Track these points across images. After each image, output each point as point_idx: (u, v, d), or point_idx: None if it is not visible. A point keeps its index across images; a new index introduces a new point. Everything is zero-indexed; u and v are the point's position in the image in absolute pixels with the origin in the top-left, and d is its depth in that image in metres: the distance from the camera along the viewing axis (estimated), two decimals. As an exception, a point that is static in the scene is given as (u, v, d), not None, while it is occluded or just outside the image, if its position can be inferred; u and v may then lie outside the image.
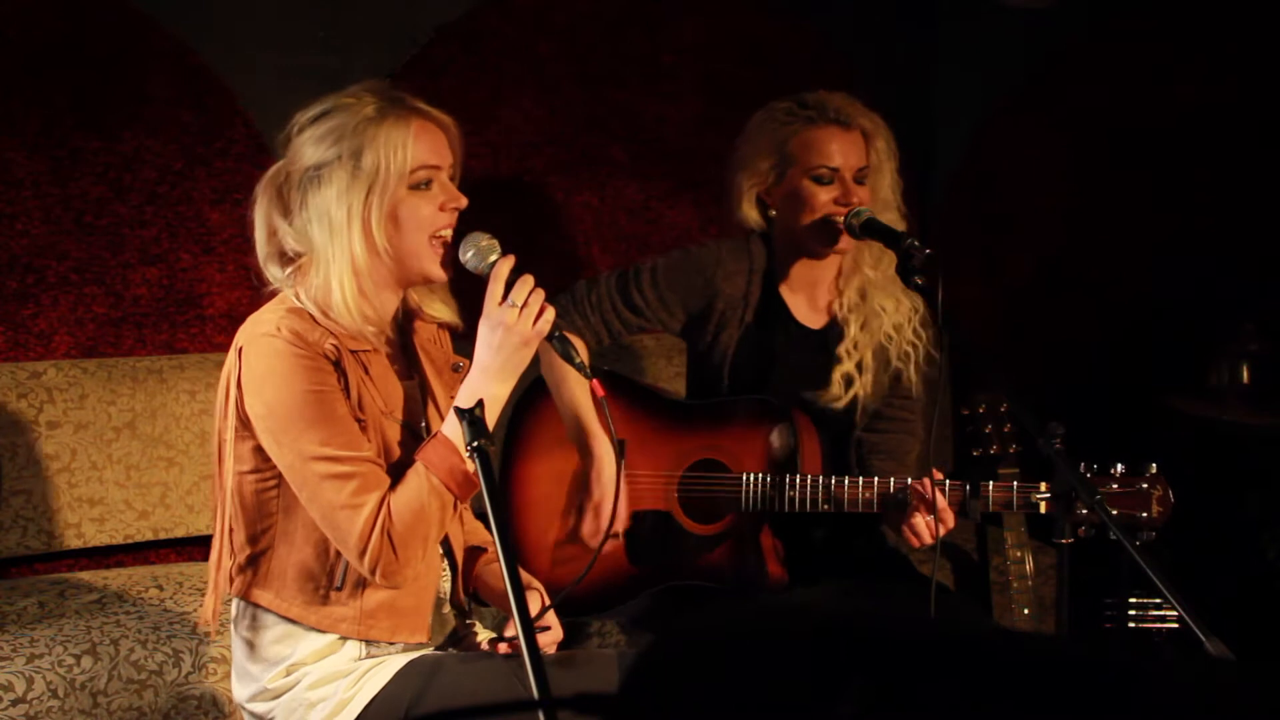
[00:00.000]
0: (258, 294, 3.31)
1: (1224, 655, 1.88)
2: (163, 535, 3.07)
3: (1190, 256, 3.87)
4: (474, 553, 2.22)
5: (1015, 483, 2.37)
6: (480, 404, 1.86)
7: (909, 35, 4.07)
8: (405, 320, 2.14)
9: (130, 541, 3.05)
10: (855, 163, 2.54)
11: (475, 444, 1.81)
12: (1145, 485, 2.34)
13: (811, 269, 2.64)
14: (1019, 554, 2.90)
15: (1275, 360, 3.59)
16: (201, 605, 2.06)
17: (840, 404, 2.60)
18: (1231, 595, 3.32)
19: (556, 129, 3.65)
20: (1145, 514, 2.32)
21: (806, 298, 2.67)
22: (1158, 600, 3.05)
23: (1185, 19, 3.81)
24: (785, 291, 2.66)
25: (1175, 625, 3.05)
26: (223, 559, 1.99)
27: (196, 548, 3.26)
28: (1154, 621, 3.05)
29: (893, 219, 2.56)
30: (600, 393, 2.03)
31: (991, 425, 2.75)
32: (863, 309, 2.60)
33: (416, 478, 1.93)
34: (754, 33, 3.90)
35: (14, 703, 2.37)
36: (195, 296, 3.26)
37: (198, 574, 2.96)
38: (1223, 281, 3.82)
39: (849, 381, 2.59)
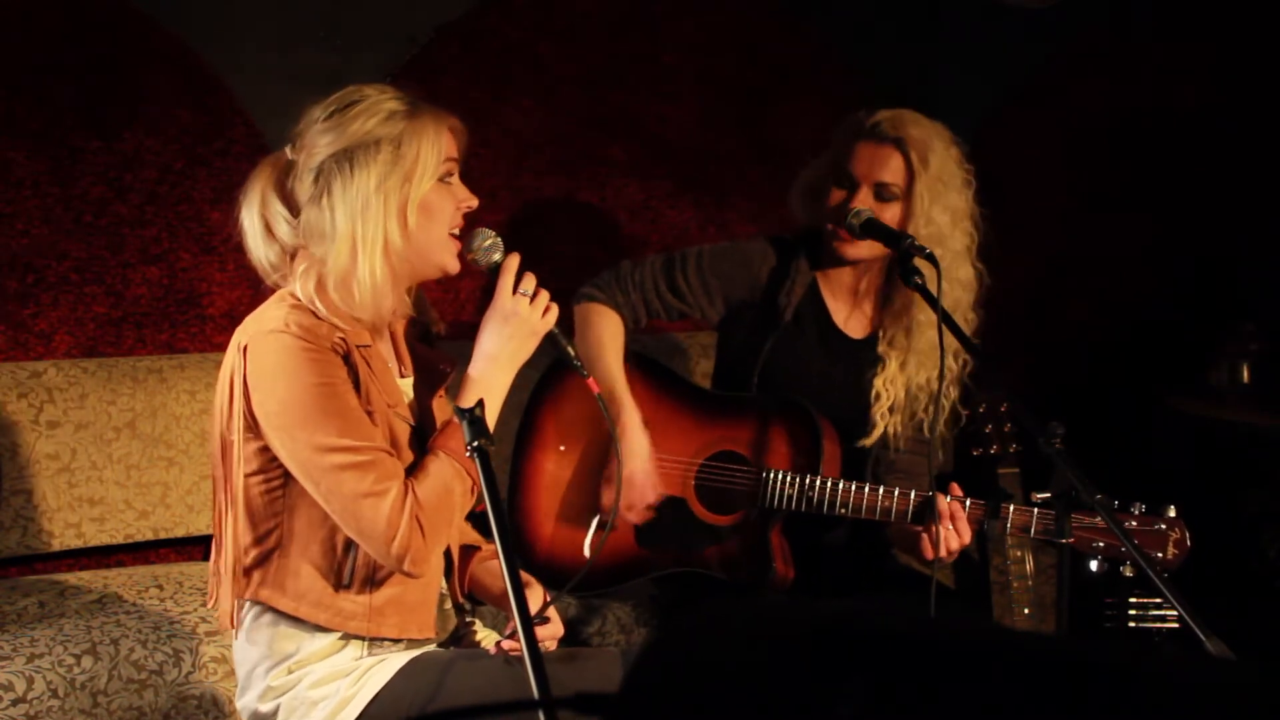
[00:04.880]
0: (258, 293, 3.33)
1: (1224, 655, 1.88)
2: (163, 535, 3.07)
3: (1190, 256, 3.87)
4: (468, 552, 2.22)
5: (1036, 509, 2.36)
6: (480, 404, 1.86)
7: (909, 35, 4.07)
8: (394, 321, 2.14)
9: (130, 541, 3.05)
10: (877, 176, 2.52)
11: (475, 444, 1.81)
12: (1163, 526, 2.32)
13: (849, 276, 2.66)
14: (1019, 554, 2.90)
15: (1275, 360, 3.59)
16: (216, 609, 2.03)
17: (869, 442, 2.61)
18: (1231, 595, 3.31)
19: (556, 129, 3.65)
20: (1160, 555, 2.30)
21: (848, 305, 2.68)
22: (1158, 600, 3.05)
23: (1185, 19, 3.81)
24: (828, 296, 2.67)
25: (1175, 625, 3.04)
26: (238, 559, 1.97)
27: (196, 548, 3.26)
28: (1154, 621, 3.05)
29: (953, 254, 2.52)
30: (596, 389, 2.07)
31: (991, 425, 2.75)
32: (905, 349, 2.60)
33: (438, 463, 1.95)
34: (754, 33, 3.90)
35: (14, 702, 2.37)
36: (195, 296, 3.26)
37: (198, 574, 2.96)
38: (1223, 281, 3.82)
39: (882, 419, 2.61)
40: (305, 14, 3.32)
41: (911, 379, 2.60)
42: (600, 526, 2.55)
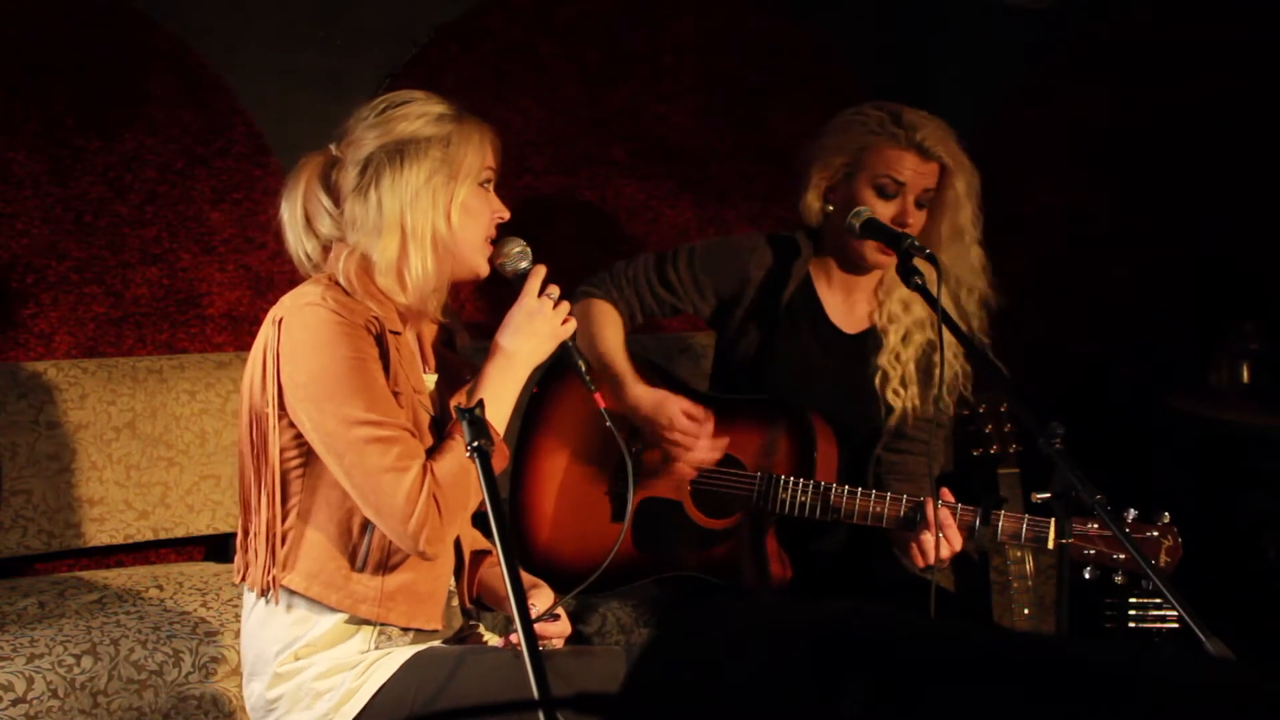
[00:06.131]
0: (258, 294, 3.34)
1: (1224, 655, 1.88)
2: (163, 535, 3.07)
3: (1190, 256, 3.87)
4: (478, 557, 2.23)
5: (1026, 516, 2.36)
6: (480, 404, 1.87)
7: (909, 35, 4.07)
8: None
9: (130, 541, 3.05)
10: (923, 183, 2.54)
11: (475, 444, 1.81)
12: (1155, 533, 2.31)
13: (845, 272, 2.65)
14: (1019, 554, 2.90)
15: (1275, 360, 3.59)
16: (245, 584, 2.03)
17: (890, 421, 2.59)
18: (1231, 595, 3.31)
19: (556, 129, 3.65)
20: (1153, 562, 2.30)
21: (843, 300, 2.67)
22: (1158, 600, 3.05)
23: (1185, 18, 3.81)
24: (823, 290, 2.67)
25: (1175, 625, 3.05)
26: (272, 529, 1.98)
27: (196, 548, 3.26)
28: (1154, 621, 3.05)
29: (967, 269, 2.54)
30: (603, 404, 2.08)
31: (992, 425, 2.74)
32: (904, 320, 2.58)
33: (457, 445, 1.97)
34: (754, 32, 3.90)
35: (14, 703, 2.37)
36: (195, 296, 3.26)
37: (198, 574, 2.96)
38: (1223, 281, 3.82)
39: (895, 396, 2.59)
40: (305, 14, 3.33)
41: (915, 340, 2.59)
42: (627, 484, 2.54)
